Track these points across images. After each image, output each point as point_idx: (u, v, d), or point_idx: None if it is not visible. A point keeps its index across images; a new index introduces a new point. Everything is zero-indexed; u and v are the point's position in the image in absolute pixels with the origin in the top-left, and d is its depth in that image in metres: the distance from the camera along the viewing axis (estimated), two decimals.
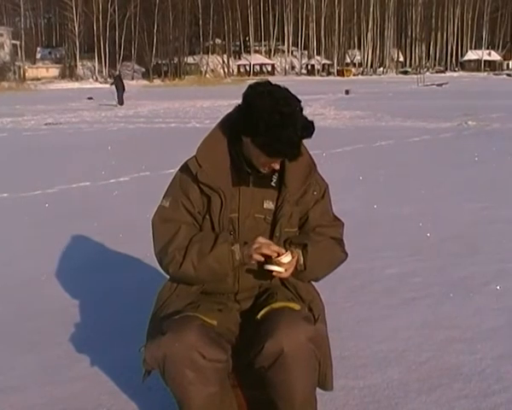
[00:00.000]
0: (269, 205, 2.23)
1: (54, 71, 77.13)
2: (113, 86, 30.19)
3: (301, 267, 2.19)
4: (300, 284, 2.27)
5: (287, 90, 2.11)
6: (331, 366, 2.22)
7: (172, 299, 2.24)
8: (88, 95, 36.67)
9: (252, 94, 2.09)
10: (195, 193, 2.20)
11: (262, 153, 2.09)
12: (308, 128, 2.07)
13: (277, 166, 2.16)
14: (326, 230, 2.29)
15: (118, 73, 41.89)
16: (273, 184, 2.23)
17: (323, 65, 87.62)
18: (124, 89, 29.91)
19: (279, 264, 2.10)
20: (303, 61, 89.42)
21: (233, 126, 2.16)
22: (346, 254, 2.36)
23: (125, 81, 31.93)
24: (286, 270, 2.12)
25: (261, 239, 2.13)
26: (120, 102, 29.02)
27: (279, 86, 2.12)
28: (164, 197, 2.28)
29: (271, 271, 2.12)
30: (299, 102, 2.10)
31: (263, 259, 2.12)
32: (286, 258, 2.11)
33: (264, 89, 2.08)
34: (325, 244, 2.26)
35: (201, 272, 2.14)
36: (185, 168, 2.24)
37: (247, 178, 2.21)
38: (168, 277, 2.31)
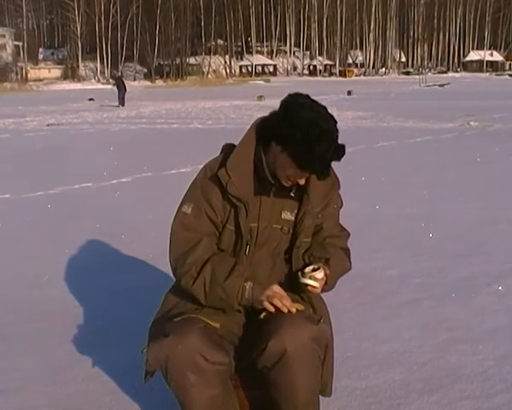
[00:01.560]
0: (287, 216, 2.23)
1: (56, 72, 77.11)
2: (115, 87, 30.27)
3: (328, 282, 2.20)
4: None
5: (325, 108, 2.09)
6: (332, 373, 2.23)
7: (180, 305, 2.22)
8: (90, 96, 36.67)
9: (293, 103, 2.07)
10: (218, 200, 2.17)
11: (292, 164, 2.05)
12: (340, 151, 2.07)
13: (303, 182, 2.14)
14: (336, 241, 2.31)
15: (119, 74, 41.96)
16: (292, 194, 2.21)
17: (325, 65, 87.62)
18: (125, 90, 29.96)
19: (315, 279, 2.10)
20: (305, 62, 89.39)
21: (266, 131, 2.12)
22: (351, 265, 2.38)
23: (127, 82, 32.06)
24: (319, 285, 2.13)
25: (276, 288, 2.12)
26: (122, 102, 29.07)
27: (317, 102, 2.10)
28: (184, 202, 2.23)
29: (307, 285, 2.11)
30: (336, 122, 2.08)
31: (273, 309, 2.09)
32: (320, 274, 2.11)
33: (305, 101, 2.07)
34: (339, 256, 2.28)
35: (210, 298, 2.13)
36: (214, 176, 2.17)
37: (269, 188, 2.19)
38: (169, 285, 2.30)
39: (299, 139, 1.99)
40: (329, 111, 2.10)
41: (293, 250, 2.21)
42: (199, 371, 1.99)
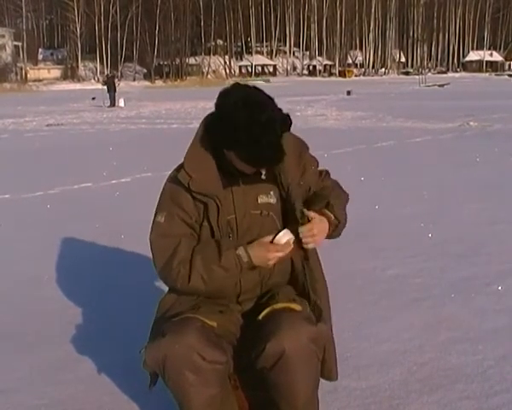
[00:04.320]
0: (263, 199, 2.22)
1: (55, 72, 77.16)
2: (105, 87, 30.25)
3: (336, 222, 2.22)
4: (316, 277, 2.27)
5: (258, 90, 2.08)
6: (335, 358, 2.23)
7: (175, 306, 2.22)
8: (90, 95, 36.65)
9: (225, 105, 2.05)
10: (189, 203, 2.17)
11: (248, 165, 2.08)
12: (285, 122, 2.08)
13: (264, 171, 2.16)
14: (324, 183, 2.35)
15: (111, 73, 41.88)
16: (263, 177, 2.20)
17: (325, 66, 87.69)
18: (115, 90, 29.93)
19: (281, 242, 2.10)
20: (305, 62, 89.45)
21: (213, 138, 2.13)
22: (347, 193, 2.41)
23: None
24: (314, 236, 2.13)
25: (266, 239, 2.12)
26: (112, 103, 29.04)
27: (249, 87, 2.09)
28: (157, 213, 2.23)
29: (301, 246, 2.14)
30: (272, 100, 2.07)
31: (274, 261, 2.13)
32: (284, 238, 2.10)
33: (236, 98, 2.03)
34: (335, 193, 2.32)
35: (211, 284, 2.11)
36: (175, 180, 2.19)
37: (237, 178, 2.19)
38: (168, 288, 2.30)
39: (245, 143, 2.00)
40: (272, 97, 2.08)
41: (297, 218, 2.18)
42: (197, 370, 1.99)
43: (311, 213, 2.14)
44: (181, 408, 2.10)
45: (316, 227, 2.14)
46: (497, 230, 5.53)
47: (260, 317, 2.12)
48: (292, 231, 2.12)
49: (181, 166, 2.21)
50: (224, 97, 2.08)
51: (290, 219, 2.22)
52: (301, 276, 2.26)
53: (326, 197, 2.26)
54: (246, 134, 1.99)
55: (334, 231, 2.25)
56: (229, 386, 2.21)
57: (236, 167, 2.12)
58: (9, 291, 4.25)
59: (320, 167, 2.39)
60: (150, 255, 2.22)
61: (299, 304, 2.17)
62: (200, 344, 1.98)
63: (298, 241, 2.14)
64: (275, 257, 2.11)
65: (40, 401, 2.75)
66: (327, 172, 2.41)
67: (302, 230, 2.12)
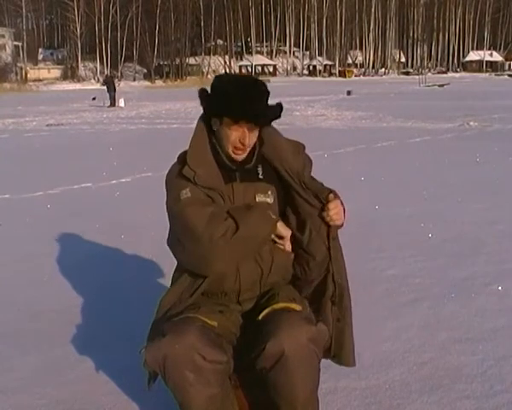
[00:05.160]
0: (261, 198, 2.23)
1: (55, 72, 77.08)
2: (105, 87, 30.26)
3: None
4: (338, 258, 2.31)
5: (254, 78, 2.25)
6: (353, 345, 2.33)
7: (175, 305, 2.23)
8: (90, 96, 36.64)
9: (216, 79, 2.22)
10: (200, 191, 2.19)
11: (229, 122, 2.13)
12: (276, 107, 2.21)
13: (247, 141, 2.16)
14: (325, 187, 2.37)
15: (110, 73, 41.87)
16: (260, 176, 2.24)
17: (325, 66, 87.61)
18: (115, 90, 29.93)
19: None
20: (305, 62, 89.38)
21: (205, 113, 2.24)
22: None
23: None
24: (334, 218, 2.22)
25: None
26: (112, 103, 29.05)
27: (244, 75, 2.28)
28: (178, 192, 2.16)
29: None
30: (265, 86, 2.20)
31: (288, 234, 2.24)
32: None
33: (228, 76, 2.24)
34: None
35: (243, 239, 2.10)
36: (181, 175, 2.17)
37: (234, 174, 2.22)
38: (169, 285, 2.30)
39: (228, 99, 2.11)
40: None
41: (315, 200, 2.23)
42: (197, 369, 1.99)
43: (331, 195, 2.24)
44: (181, 408, 2.10)
45: (334, 206, 2.22)
46: (497, 230, 5.53)
47: (260, 317, 2.13)
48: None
49: (181, 162, 2.23)
50: (218, 76, 2.26)
51: (300, 209, 2.25)
52: (325, 256, 2.27)
53: (324, 187, 2.31)
54: (230, 92, 2.12)
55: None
56: (229, 386, 2.21)
57: (226, 148, 2.18)
58: (9, 291, 4.25)
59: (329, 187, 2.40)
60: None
61: (299, 304, 2.18)
62: (200, 344, 1.98)
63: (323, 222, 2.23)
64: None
65: (40, 401, 2.76)
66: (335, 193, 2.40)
67: (330, 206, 2.20)
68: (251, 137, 2.17)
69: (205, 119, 2.25)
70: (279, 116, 2.21)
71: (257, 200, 2.23)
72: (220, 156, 2.21)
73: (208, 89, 2.23)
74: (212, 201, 2.17)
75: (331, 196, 2.23)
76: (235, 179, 2.23)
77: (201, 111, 2.28)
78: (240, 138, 2.15)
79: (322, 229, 2.23)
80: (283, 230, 2.23)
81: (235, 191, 2.21)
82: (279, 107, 2.22)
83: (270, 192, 2.25)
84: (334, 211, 2.21)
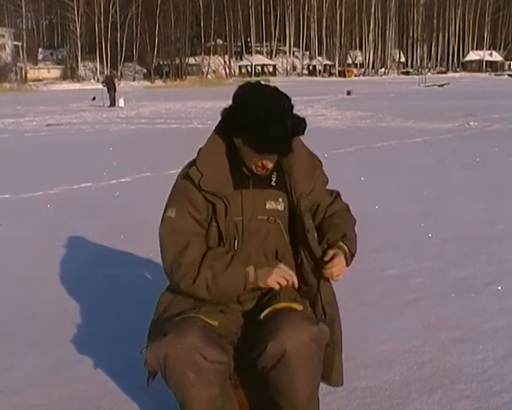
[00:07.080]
0: (271, 205, 2.24)
1: (55, 72, 77.11)
2: (105, 87, 30.24)
3: (349, 255, 2.23)
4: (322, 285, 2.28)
5: (276, 89, 2.13)
6: (341, 364, 2.31)
7: (173, 303, 2.23)
8: (90, 95, 36.63)
9: (239, 93, 2.11)
10: (200, 200, 2.18)
11: (252, 151, 2.09)
12: (299, 125, 2.09)
13: (270, 165, 2.15)
14: (335, 206, 2.34)
15: (109, 73, 41.82)
16: (273, 183, 2.24)
17: (325, 66, 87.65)
18: (115, 90, 29.92)
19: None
20: (304, 62, 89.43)
21: (226, 129, 2.16)
22: (354, 218, 2.40)
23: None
24: (336, 273, 2.16)
25: (283, 266, 2.16)
26: (113, 103, 29.03)
27: (268, 86, 2.14)
28: (168, 207, 2.24)
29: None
30: (289, 99, 2.11)
31: (278, 287, 2.15)
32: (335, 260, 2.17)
33: (251, 88, 2.11)
34: (345, 219, 2.32)
35: (214, 292, 2.13)
36: (187, 176, 2.20)
37: (247, 180, 2.21)
38: (168, 284, 2.30)
39: (251, 127, 2.03)
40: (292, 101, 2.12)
41: (307, 236, 2.20)
42: (198, 369, 1.99)
43: (331, 252, 2.17)
44: (182, 408, 2.10)
45: (336, 264, 2.16)
46: (497, 230, 5.53)
47: (261, 316, 2.13)
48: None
49: (194, 162, 2.22)
50: (241, 87, 2.14)
51: (296, 229, 2.25)
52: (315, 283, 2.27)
53: (341, 230, 2.25)
54: (252, 118, 2.02)
55: (349, 261, 2.25)
56: (229, 385, 2.21)
57: (244, 162, 2.14)
58: (9, 291, 4.25)
59: (332, 188, 2.40)
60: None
61: (301, 304, 2.17)
62: (201, 344, 1.98)
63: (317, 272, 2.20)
64: (279, 279, 2.14)
65: (40, 401, 2.75)
66: (338, 194, 2.40)
67: (333, 262, 2.14)
68: (273, 161, 2.16)
69: (225, 129, 2.19)
70: (302, 134, 2.13)
71: (267, 207, 2.23)
72: (238, 160, 2.17)
73: (230, 105, 2.13)
74: (197, 224, 2.18)
75: (331, 253, 2.17)
76: (248, 185, 2.21)
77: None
78: (262, 162, 2.13)
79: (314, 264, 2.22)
80: (272, 282, 2.15)
81: (245, 198, 2.21)
82: (303, 125, 2.11)
83: (280, 199, 2.25)
84: (336, 268, 2.16)
